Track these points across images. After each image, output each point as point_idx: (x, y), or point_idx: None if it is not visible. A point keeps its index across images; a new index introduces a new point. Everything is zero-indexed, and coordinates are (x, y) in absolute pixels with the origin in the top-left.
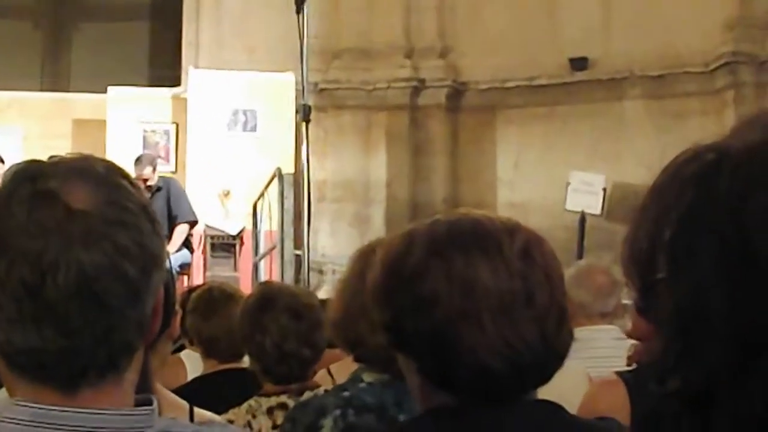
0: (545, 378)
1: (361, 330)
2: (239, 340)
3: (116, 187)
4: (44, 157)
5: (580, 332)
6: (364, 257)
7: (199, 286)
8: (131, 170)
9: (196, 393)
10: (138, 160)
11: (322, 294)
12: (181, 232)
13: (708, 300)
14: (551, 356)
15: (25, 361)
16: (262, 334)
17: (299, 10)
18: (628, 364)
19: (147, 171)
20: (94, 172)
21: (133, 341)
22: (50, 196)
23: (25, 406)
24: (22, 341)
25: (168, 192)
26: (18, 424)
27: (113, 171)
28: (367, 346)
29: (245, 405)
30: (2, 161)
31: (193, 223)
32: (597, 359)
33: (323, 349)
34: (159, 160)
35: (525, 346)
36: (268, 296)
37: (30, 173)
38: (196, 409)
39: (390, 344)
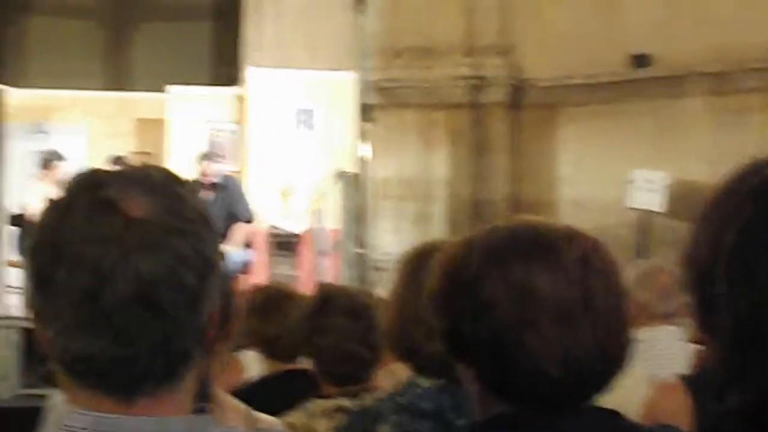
0: (604, 385)
1: (417, 338)
2: (299, 343)
3: (174, 195)
4: (107, 155)
5: (642, 333)
6: (412, 265)
7: (259, 287)
8: (194, 167)
9: (255, 394)
10: (201, 157)
11: (383, 292)
12: (239, 230)
13: (766, 316)
14: (610, 363)
15: (82, 369)
16: (322, 336)
17: (360, 9)
18: (692, 367)
19: (210, 167)
20: (152, 181)
21: (190, 349)
22: (109, 205)
23: (85, 414)
24: (80, 349)
25: (228, 190)
26: None
27: (172, 180)
28: (423, 355)
29: (304, 407)
30: (62, 158)
31: (248, 221)
32: (659, 360)
33: (382, 349)
34: (221, 160)
35: (584, 354)
36: (326, 298)
37: (90, 182)
38: (255, 413)
39: (448, 352)
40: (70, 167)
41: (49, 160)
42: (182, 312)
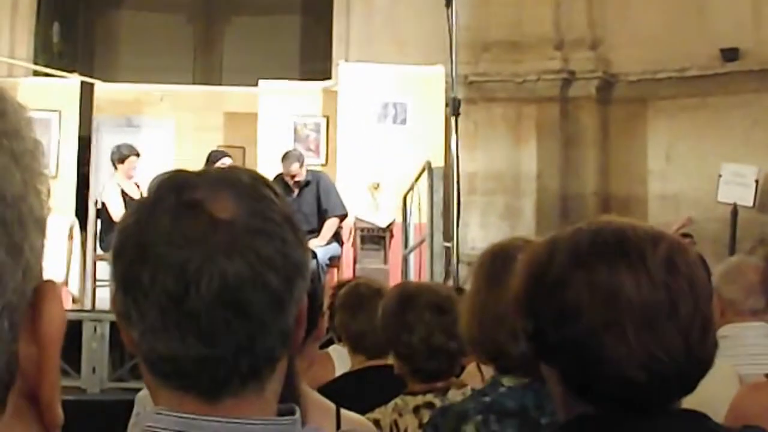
0: (689, 388)
1: (501, 339)
2: (384, 342)
3: (261, 197)
4: (197, 150)
5: (729, 329)
6: (493, 265)
7: (347, 282)
8: (279, 166)
9: (342, 390)
10: (285, 157)
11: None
12: (330, 225)
13: None
14: (695, 367)
15: (167, 369)
16: (409, 333)
17: (449, 3)
18: None
19: (294, 167)
20: (239, 183)
21: (275, 351)
22: (195, 206)
23: (168, 415)
24: (165, 349)
25: (317, 186)
26: None
27: (258, 181)
28: (509, 356)
29: (391, 404)
30: (138, 155)
31: (342, 217)
32: (747, 357)
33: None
34: (309, 153)
35: (668, 358)
36: (407, 295)
37: (175, 183)
38: (343, 411)
39: (532, 353)
40: (146, 162)
41: (125, 155)
42: (267, 314)
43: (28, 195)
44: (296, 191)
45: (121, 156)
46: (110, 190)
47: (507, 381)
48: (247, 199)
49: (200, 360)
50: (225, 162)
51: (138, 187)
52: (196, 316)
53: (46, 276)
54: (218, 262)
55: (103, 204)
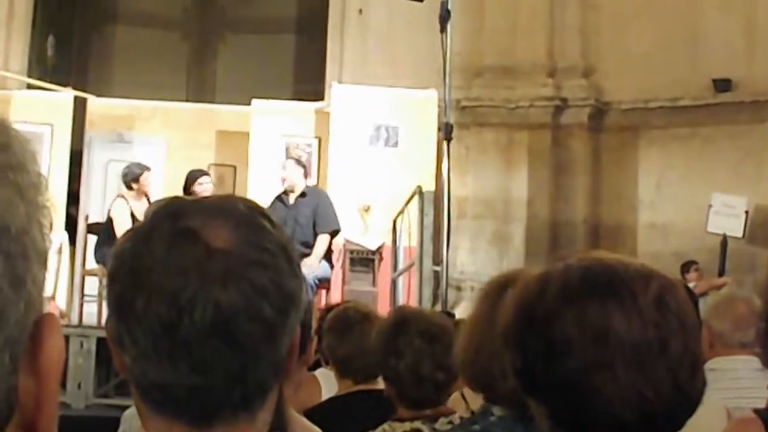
0: (678, 426)
1: (494, 373)
2: (374, 364)
3: (256, 226)
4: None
5: (718, 362)
6: (492, 296)
7: (336, 305)
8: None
9: (329, 414)
10: (289, 159)
11: (460, 311)
12: (322, 242)
13: None
14: (684, 405)
15: (159, 396)
16: (397, 358)
17: (443, 28)
18: None
19: (289, 166)
20: (235, 212)
21: (267, 381)
22: (190, 234)
23: None
24: (157, 376)
25: (317, 200)
26: None
27: (254, 210)
28: (497, 390)
29: (379, 429)
30: (149, 169)
31: (334, 233)
32: (735, 390)
33: (456, 375)
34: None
35: (658, 396)
36: (402, 320)
37: (171, 211)
38: None
39: (520, 388)
40: (155, 179)
41: (138, 174)
42: (260, 344)
43: (31, 228)
44: (292, 200)
45: (134, 176)
46: (121, 209)
47: (497, 410)
48: (242, 228)
49: (192, 389)
50: (204, 180)
51: (149, 201)
52: (188, 344)
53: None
54: (212, 291)
55: (110, 218)
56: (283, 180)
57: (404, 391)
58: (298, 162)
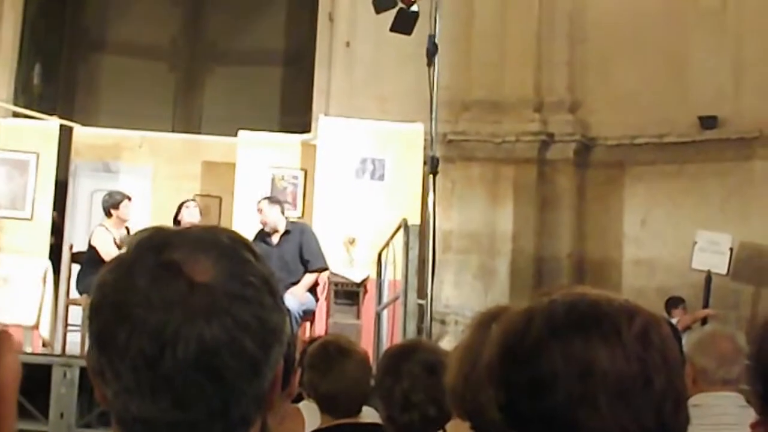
0: None
1: (482, 401)
2: (358, 397)
3: (240, 260)
4: (174, 197)
5: (701, 398)
6: (484, 327)
7: (317, 340)
8: (261, 211)
9: None
10: (266, 202)
11: (444, 345)
12: (309, 279)
13: None
14: None
15: (140, 430)
16: (394, 380)
17: (430, 61)
18: None
19: (264, 207)
20: (218, 245)
21: (249, 415)
22: (174, 268)
23: None
24: (139, 411)
25: (300, 237)
26: None
27: (238, 243)
28: (486, 418)
29: None
30: (129, 199)
31: (321, 270)
32: (719, 426)
33: (449, 413)
34: (286, 205)
35: (642, 431)
36: (410, 347)
37: (155, 243)
38: None
39: (505, 423)
40: (136, 208)
41: (118, 201)
42: (243, 379)
43: None
44: (276, 240)
45: (114, 202)
46: (104, 237)
47: None
48: (225, 261)
49: (174, 424)
50: (190, 204)
51: (128, 231)
52: (171, 379)
53: (16, 320)
54: (195, 325)
55: (92, 247)
56: (264, 223)
57: (392, 414)
58: (272, 200)
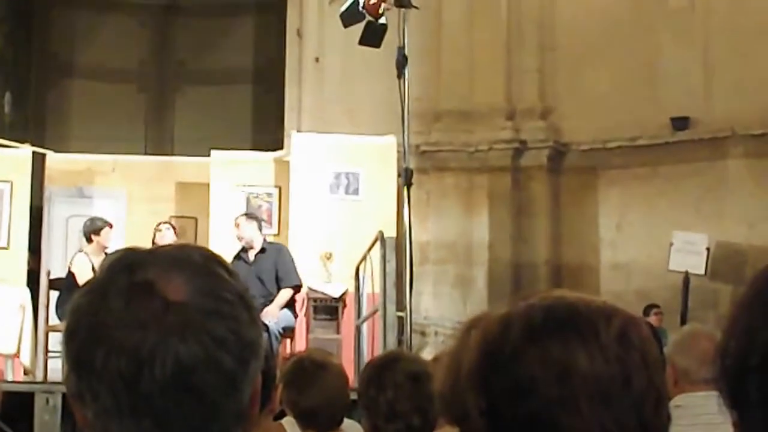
0: None
1: (469, 407)
2: (338, 412)
3: (213, 276)
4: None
5: (683, 399)
6: (470, 333)
7: (293, 357)
8: (233, 236)
9: None
10: (240, 216)
11: (425, 356)
12: (283, 296)
13: None
14: None
15: None
16: (378, 391)
17: (400, 73)
18: None
19: (241, 222)
20: (191, 262)
21: (230, 431)
22: (147, 287)
23: None
24: (119, 431)
25: (276, 257)
26: None
27: (210, 260)
28: (473, 424)
29: None
30: (111, 226)
31: (296, 288)
32: (701, 426)
33: (434, 422)
34: (262, 224)
35: None
36: (392, 357)
37: (127, 263)
38: None
39: (487, 429)
40: (115, 234)
41: (99, 227)
42: (221, 395)
43: None
44: (252, 257)
45: (95, 228)
46: (82, 263)
47: None
48: (198, 278)
49: None
50: (163, 227)
51: None
52: (150, 398)
53: None
54: (171, 344)
55: (72, 273)
56: (240, 239)
57: (377, 424)
58: (249, 216)
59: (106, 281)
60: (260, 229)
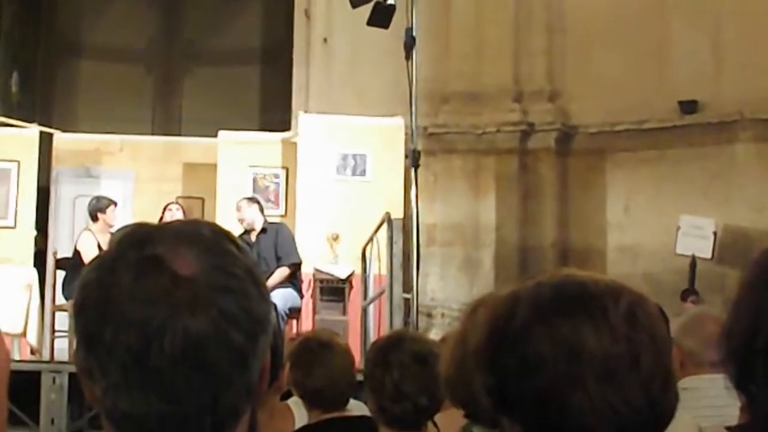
0: None
1: (474, 388)
2: (344, 391)
3: (223, 252)
4: (156, 200)
5: (689, 381)
6: (476, 314)
7: (299, 337)
8: (238, 211)
9: None
10: (242, 200)
11: (431, 338)
12: (280, 273)
13: None
14: (657, 419)
15: (131, 426)
16: (384, 371)
17: (408, 55)
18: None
19: (243, 205)
20: (200, 238)
21: (239, 407)
22: (157, 262)
23: None
24: (128, 407)
25: (276, 236)
26: None
27: (220, 235)
28: (479, 405)
29: None
30: (116, 204)
31: (293, 266)
32: (707, 408)
33: (441, 402)
34: (269, 204)
35: (631, 411)
36: (398, 338)
37: (136, 238)
38: None
39: (493, 407)
40: (121, 213)
41: (105, 205)
42: (230, 370)
43: None
44: (253, 238)
45: (100, 206)
46: (88, 241)
47: (477, 430)
48: (208, 254)
49: (163, 418)
50: (172, 207)
51: None
52: (159, 373)
53: (2, 328)
54: (181, 319)
55: (77, 252)
56: (242, 221)
57: (384, 404)
58: (251, 200)
59: (116, 256)
60: (261, 212)
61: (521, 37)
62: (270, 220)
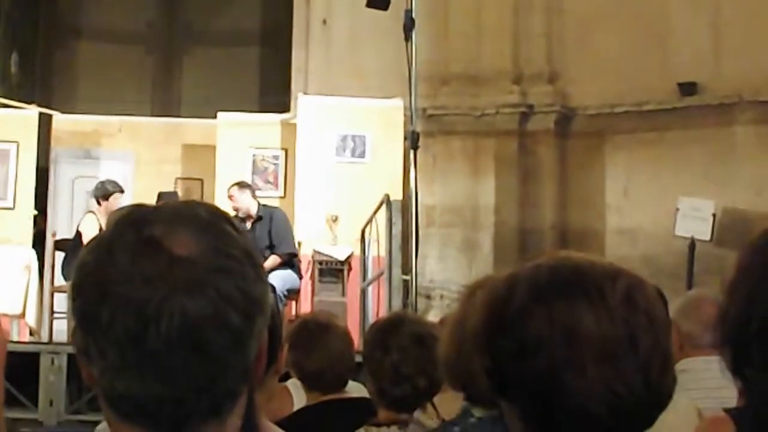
0: (649, 423)
1: (474, 370)
2: (343, 373)
3: (220, 232)
4: (155, 181)
5: (688, 363)
6: (474, 296)
7: (298, 319)
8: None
9: (302, 424)
10: (232, 186)
11: (430, 319)
12: (270, 261)
13: None
14: (655, 401)
15: (127, 407)
16: (383, 353)
17: (408, 36)
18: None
19: (235, 193)
20: (197, 218)
21: (236, 388)
22: (154, 243)
23: None
24: (125, 388)
25: (270, 222)
26: None
27: (217, 216)
28: (478, 387)
29: None
30: (122, 191)
31: (288, 256)
32: (705, 390)
33: (440, 384)
34: (268, 185)
35: (629, 393)
36: (397, 320)
37: (133, 219)
38: None
39: (492, 389)
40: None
41: (109, 192)
42: (228, 352)
43: None
44: (248, 226)
45: (105, 193)
46: (90, 223)
47: (477, 412)
48: (206, 235)
49: (160, 399)
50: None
51: None
52: (156, 355)
53: (1, 309)
54: (178, 300)
55: (79, 233)
56: (237, 210)
57: (383, 387)
58: (241, 186)
59: (113, 237)
60: (254, 196)
61: (521, 19)
62: (268, 202)
